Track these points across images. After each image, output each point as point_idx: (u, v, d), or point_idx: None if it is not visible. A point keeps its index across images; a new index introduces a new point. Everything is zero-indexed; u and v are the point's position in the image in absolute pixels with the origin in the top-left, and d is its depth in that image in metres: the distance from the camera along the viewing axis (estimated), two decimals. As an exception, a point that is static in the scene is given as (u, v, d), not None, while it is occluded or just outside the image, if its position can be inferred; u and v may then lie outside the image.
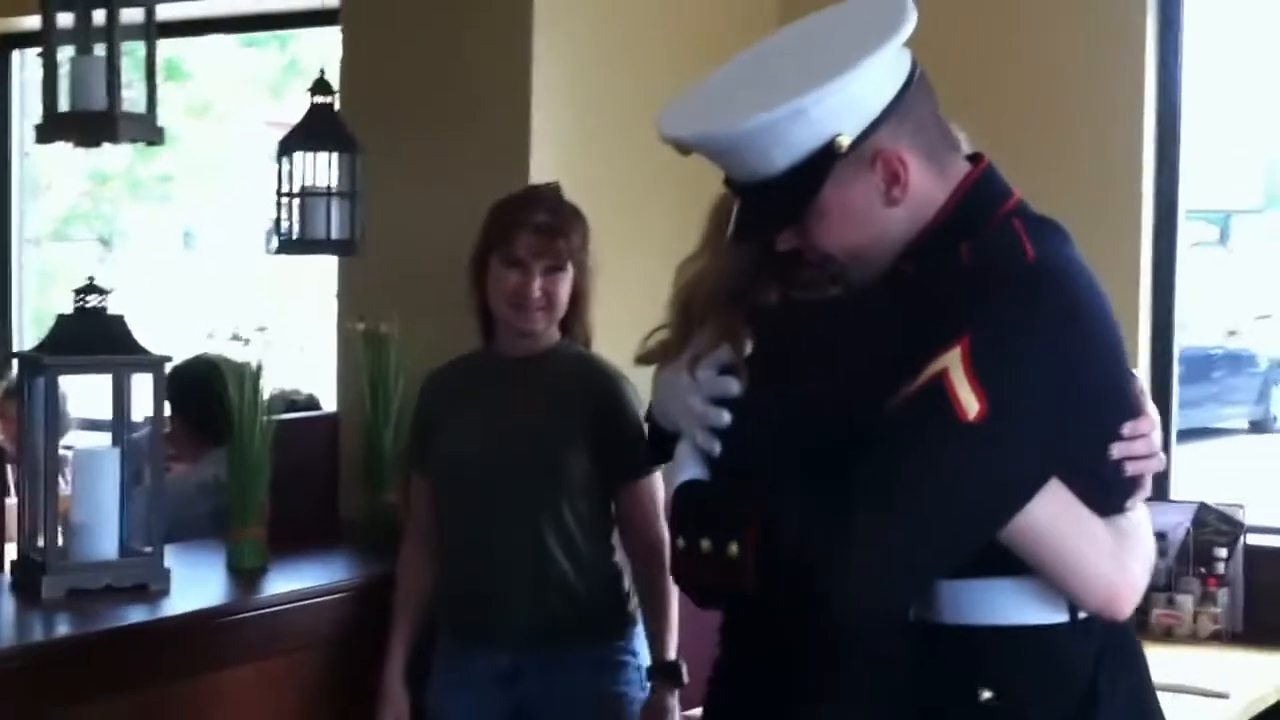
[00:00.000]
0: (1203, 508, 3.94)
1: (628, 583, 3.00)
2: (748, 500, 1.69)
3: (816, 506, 1.61)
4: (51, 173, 8.79)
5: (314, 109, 3.48)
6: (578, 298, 2.98)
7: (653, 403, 2.01)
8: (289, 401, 4.21)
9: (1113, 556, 1.73)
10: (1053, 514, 1.68)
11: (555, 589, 2.90)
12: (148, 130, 3.02)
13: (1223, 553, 3.88)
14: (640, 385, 2.97)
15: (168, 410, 3.78)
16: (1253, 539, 3.96)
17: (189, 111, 9.31)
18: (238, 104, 9.27)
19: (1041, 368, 1.63)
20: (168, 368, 3.15)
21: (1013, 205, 1.77)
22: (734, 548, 1.66)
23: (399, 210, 3.73)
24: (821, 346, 1.83)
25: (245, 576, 3.24)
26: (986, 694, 1.71)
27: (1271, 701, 3.59)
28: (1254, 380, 12.04)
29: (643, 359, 2.24)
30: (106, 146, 3.13)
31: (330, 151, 3.46)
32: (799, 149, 1.67)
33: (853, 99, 1.66)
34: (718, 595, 1.86)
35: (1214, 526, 3.90)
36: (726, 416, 1.81)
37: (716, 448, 1.81)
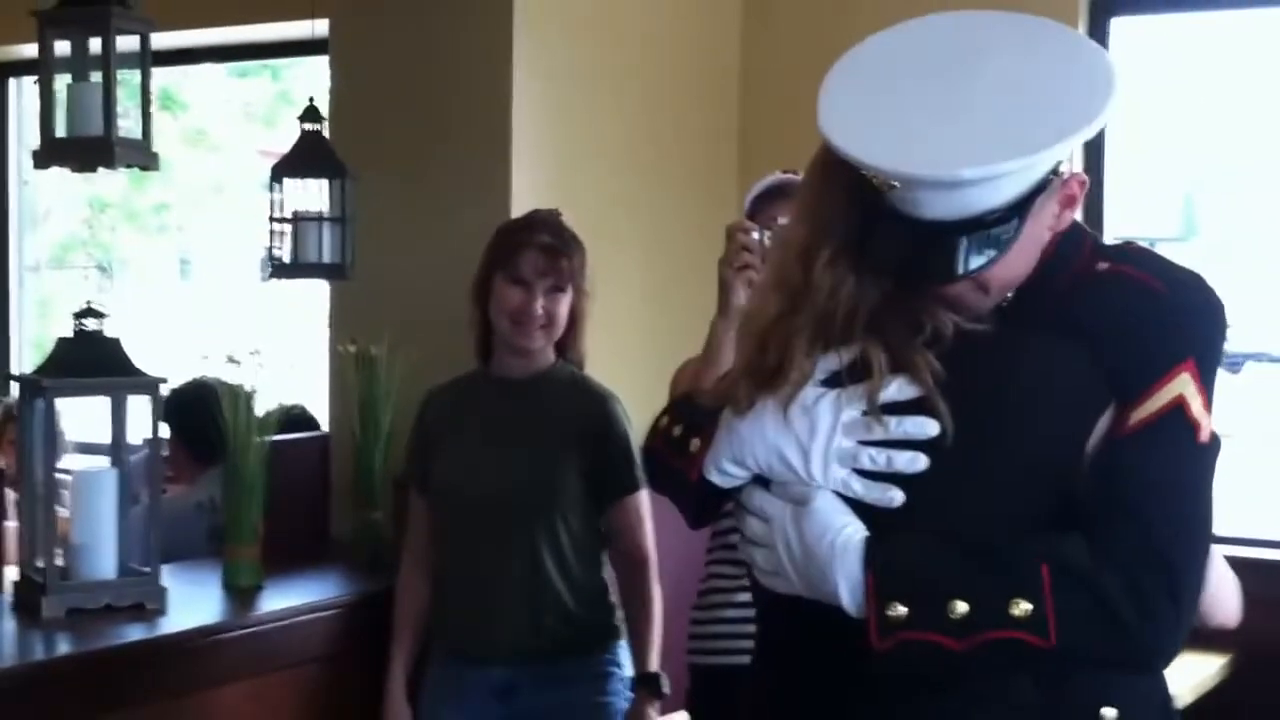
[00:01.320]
0: None
1: (614, 595, 3.02)
2: (1027, 552, 1.56)
3: (1116, 556, 1.54)
4: (50, 200, 8.81)
5: (304, 136, 3.50)
6: (575, 320, 3.02)
7: (722, 455, 1.71)
8: (288, 414, 4.21)
9: (1227, 570, 1.82)
10: None
11: (549, 607, 2.93)
12: (143, 156, 3.04)
13: None
14: (629, 406, 3.01)
15: (165, 432, 3.81)
16: (1240, 551, 3.96)
17: (184, 140, 9.34)
18: (231, 133, 9.29)
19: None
20: (165, 390, 3.17)
21: (1091, 235, 1.78)
22: (1025, 605, 1.52)
23: (388, 235, 3.77)
24: (1014, 384, 1.64)
25: (241, 595, 3.26)
26: (1110, 712, 1.67)
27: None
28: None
29: (718, 403, 1.77)
30: (104, 175, 3.16)
31: (321, 178, 3.48)
32: (1030, 181, 1.60)
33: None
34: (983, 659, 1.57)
35: None
36: (924, 461, 1.60)
37: (899, 498, 1.61)
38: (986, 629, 1.53)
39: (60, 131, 3.01)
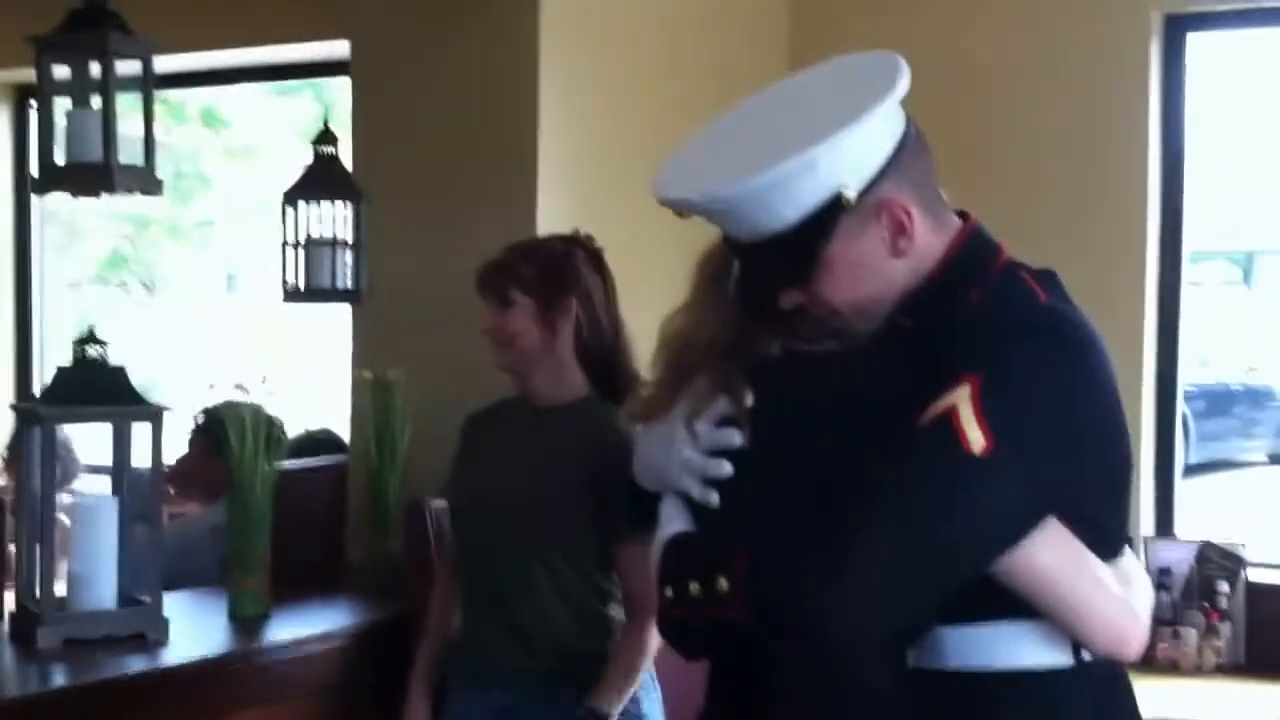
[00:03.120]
0: (1206, 545, 4.03)
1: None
2: (732, 533, 1.70)
3: (813, 531, 1.61)
4: (91, 217, 8.86)
5: (319, 159, 3.45)
6: (609, 350, 2.96)
7: (634, 463, 1.94)
8: (312, 439, 4.18)
9: (1120, 599, 1.73)
10: (1060, 557, 1.67)
11: (545, 634, 2.86)
12: (145, 182, 2.99)
13: (1225, 587, 3.96)
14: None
15: (190, 454, 3.78)
16: (1254, 574, 4.02)
17: (228, 155, 9.36)
18: (275, 149, 9.31)
19: (1049, 409, 1.64)
20: (167, 415, 3.12)
21: (1007, 258, 1.79)
22: (723, 582, 1.67)
23: (410, 258, 3.71)
24: (825, 399, 1.77)
25: (245, 625, 3.20)
26: None
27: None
28: (1273, 415, 12.26)
29: (634, 417, 2.18)
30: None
31: (335, 201, 3.43)
32: (806, 203, 1.67)
33: (858, 151, 1.67)
34: (706, 639, 1.82)
35: (1216, 562, 3.98)
36: (728, 467, 1.78)
37: (715, 499, 1.79)
38: (708, 605, 1.69)
39: (60, 157, 2.96)
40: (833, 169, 1.65)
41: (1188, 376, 4.35)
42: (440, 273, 3.64)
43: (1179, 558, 4.00)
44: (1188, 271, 4.19)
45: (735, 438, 1.78)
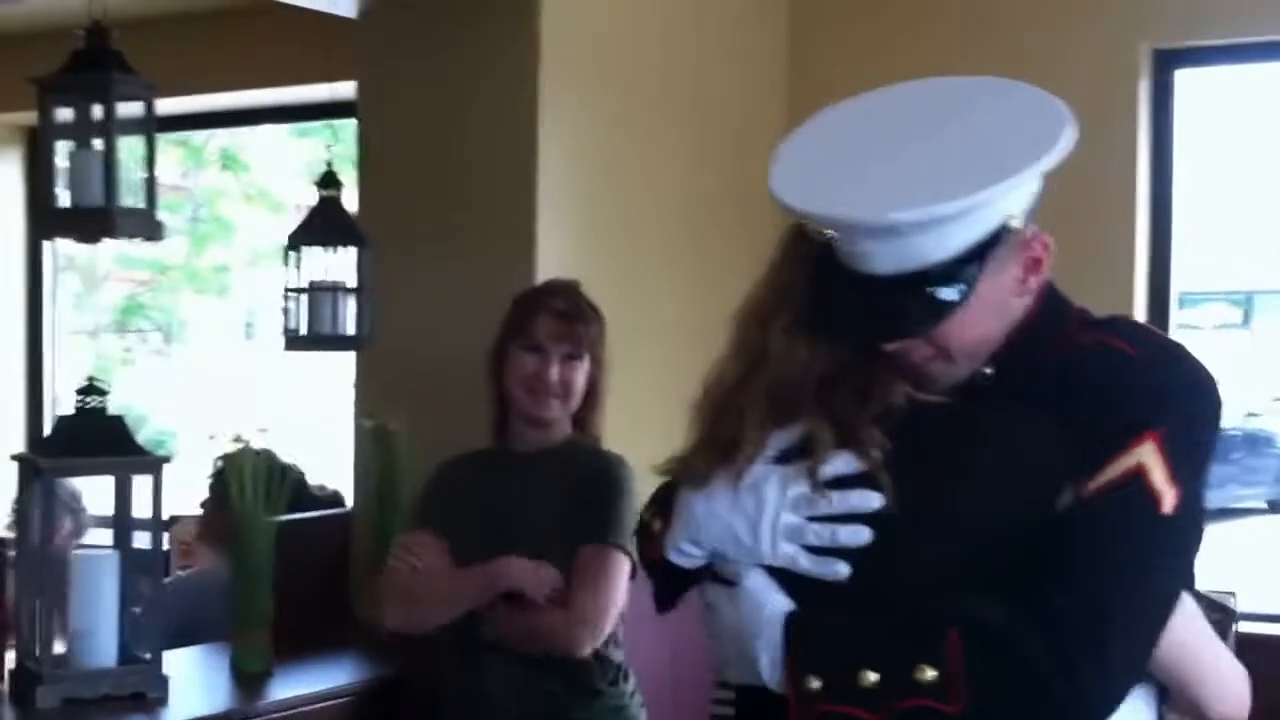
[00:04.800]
0: (1195, 595, 3.89)
1: (632, 683, 2.94)
2: (935, 619, 1.57)
3: (1059, 611, 1.54)
4: (109, 262, 8.92)
5: (322, 203, 3.47)
6: (592, 392, 2.97)
7: (680, 535, 1.72)
8: (313, 497, 4.19)
9: (1237, 665, 1.77)
10: (1190, 622, 1.68)
11: (544, 688, 2.84)
12: (147, 226, 3.01)
13: None
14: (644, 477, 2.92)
15: (206, 504, 3.79)
16: (1247, 626, 3.90)
17: (248, 200, 9.43)
18: (294, 193, 9.38)
19: (1209, 463, 1.67)
20: (174, 468, 3.13)
21: (1077, 307, 1.78)
22: (929, 672, 1.54)
23: (413, 304, 3.74)
24: (968, 455, 1.63)
25: (248, 682, 3.21)
26: None
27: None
28: (1273, 461, 12.30)
29: (675, 474, 1.82)
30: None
31: (338, 246, 3.45)
32: (978, 232, 1.60)
33: (1033, 180, 1.64)
34: None
35: (1206, 615, 3.86)
36: (866, 534, 1.60)
37: (844, 571, 1.61)
38: (895, 698, 1.55)
39: (63, 201, 2.98)
40: (1012, 200, 1.61)
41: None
42: (443, 319, 3.68)
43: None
44: (1182, 314, 4.20)
45: (873, 500, 1.61)
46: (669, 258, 4.04)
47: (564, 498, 2.89)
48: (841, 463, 1.62)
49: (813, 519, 1.63)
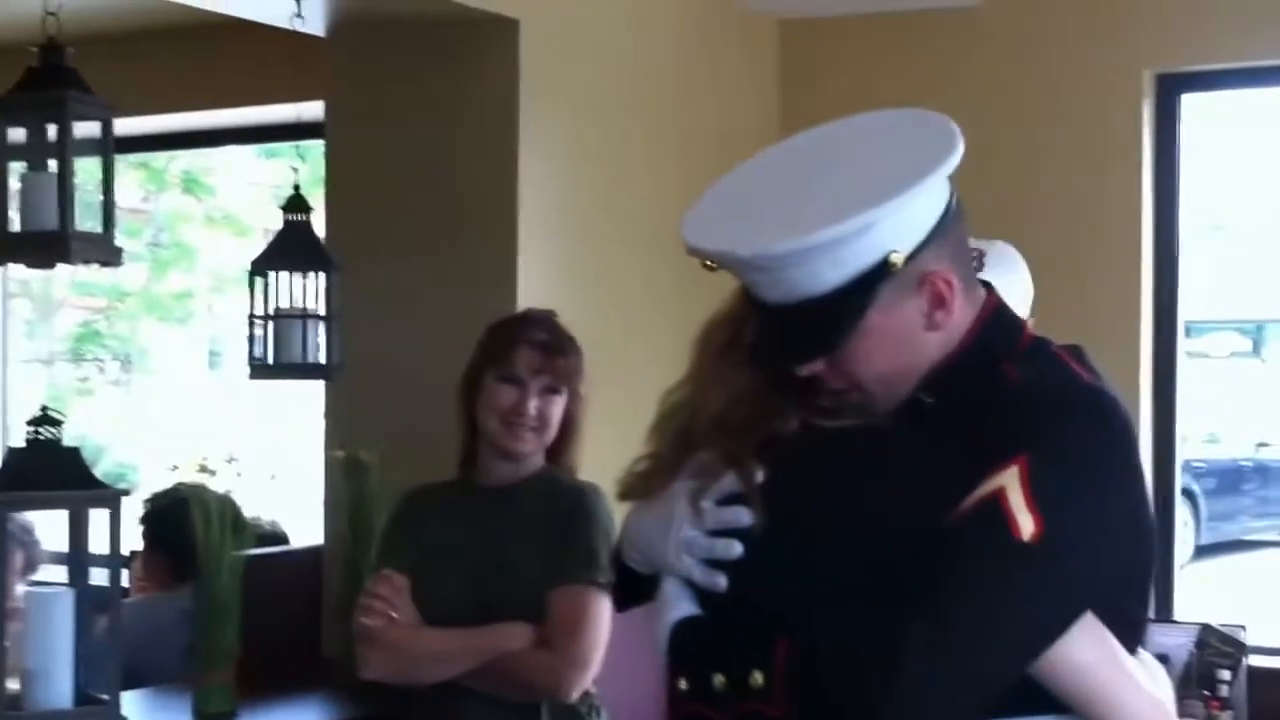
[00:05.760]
0: (1205, 629, 3.99)
1: (604, 716, 2.95)
2: (769, 627, 1.67)
3: (862, 624, 1.61)
4: (64, 290, 8.89)
5: (289, 226, 3.47)
6: (569, 426, 2.96)
7: (625, 540, 1.92)
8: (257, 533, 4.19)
9: (1155, 699, 1.74)
10: (1098, 653, 1.68)
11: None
12: (104, 251, 2.99)
13: (1226, 675, 3.92)
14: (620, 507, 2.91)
15: (141, 545, 3.79)
16: (1256, 660, 3.99)
17: (210, 223, 9.41)
18: (260, 216, 9.37)
19: (1096, 494, 1.65)
20: (133, 500, 3.12)
21: (1031, 333, 1.81)
22: (758, 677, 1.65)
23: (386, 330, 3.75)
24: (853, 477, 1.74)
25: (211, 724, 3.19)
26: None
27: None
28: None
29: (625, 494, 2.04)
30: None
31: (305, 272, 3.44)
32: (853, 267, 1.66)
33: (914, 215, 1.68)
34: None
35: (1216, 648, 3.94)
36: (738, 548, 1.74)
37: (722, 583, 1.75)
38: (736, 700, 1.68)
39: (15, 225, 2.97)
40: (888, 232, 1.65)
41: (1197, 453, 4.40)
42: (416, 346, 3.68)
43: (1177, 643, 3.95)
44: (1190, 343, 4.22)
45: (744, 516, 1.75)
46: (652, 283, 4.05)
47: (541, 534, 2.88)
48: (727, 483, 1.77)
49: (700, 533, 1.78)
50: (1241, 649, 3.93)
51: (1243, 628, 3.98)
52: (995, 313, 1.78)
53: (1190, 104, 4.24)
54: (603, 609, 2.82)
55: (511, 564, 2.88)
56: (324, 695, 3.49)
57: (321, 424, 3.94)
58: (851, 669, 1.60)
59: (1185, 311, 4.22)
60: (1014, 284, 2.90)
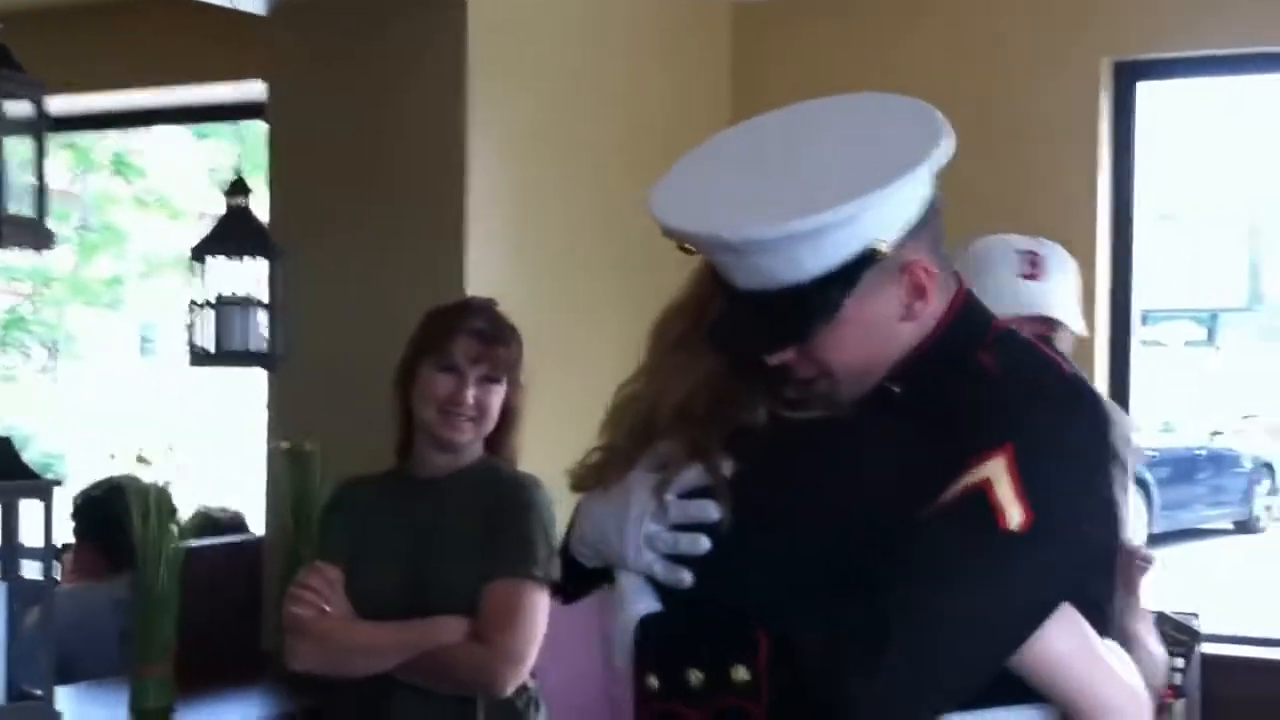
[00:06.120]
0: (1159, 617, 3.98)
1: (543, 714, 2.90)
2: (749, 622, 1.65)
3: (845, 616, 1.60)
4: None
5: (231, 211, 3.44)
6: (508, 416, 2.94)
7: (575, 533, 1.88)
8: (213, 521, 4.14)
9: (1129, 687, 1.75)
10: (1076, 643, 1.69)
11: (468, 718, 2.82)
12: (36, 235, 2.95)
13: (1179, 663, 3.85)
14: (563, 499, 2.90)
15: (72, 538, 3.74)
16: (1209, 648, 4.01)
17: (141, 206, 9.31)
18: (193, 199, 9.28)
19: (1078, 482, 1.67)
20: (66, 490, 3.08)
21: (1001, 322, 1.81)
22: (741, 672, 1.64)
23: (330, 317, 3.70)
24: (827, 468, 1.72)
25: (149, 718, 3.15)
26: None
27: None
28: (1239, 480, 12.61)
29: (578, 485, 1.99)
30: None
31: (248, 257, 3.41)
32: (835, 255, 1.64)
33: (901, 204, 1.67)
34: None
35: (1170, 636, 3.94)
36: (705, 543, 1.71)
37: (687, 579, 1.72)
38: (715, 696, 1.67)
39: (-57, 209, 2.92)
40: (874, 221, 1.64)
41: (1150, 442, 4.44)
42: (361, 333, 3.63)
43: (1130, 632, 4.03)
44: (1145, 330, 4.27)
45: (711, 510, 1.71)
46: (602, 268, 4.04)
47: (478, 526, 2.86)
48: (691, 476, 1.73)
49: (664, 528, 1.74)
50: (1195, 637, 3.92)
51: (1195, 616, 3.98)
52: (966, 303, 1.78)
53: (1144, 92, 4.25)
54: (538, 603, 2.80)
55: (447, 556, 2.86)
56: (263, 689, 3.46)
57: (263, 413, 3.90)
58: (836, 662, 1.59)
59: (1140, 300, 4.25)
60: (1074, 283, 2.91)
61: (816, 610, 1.62)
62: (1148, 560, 2.57)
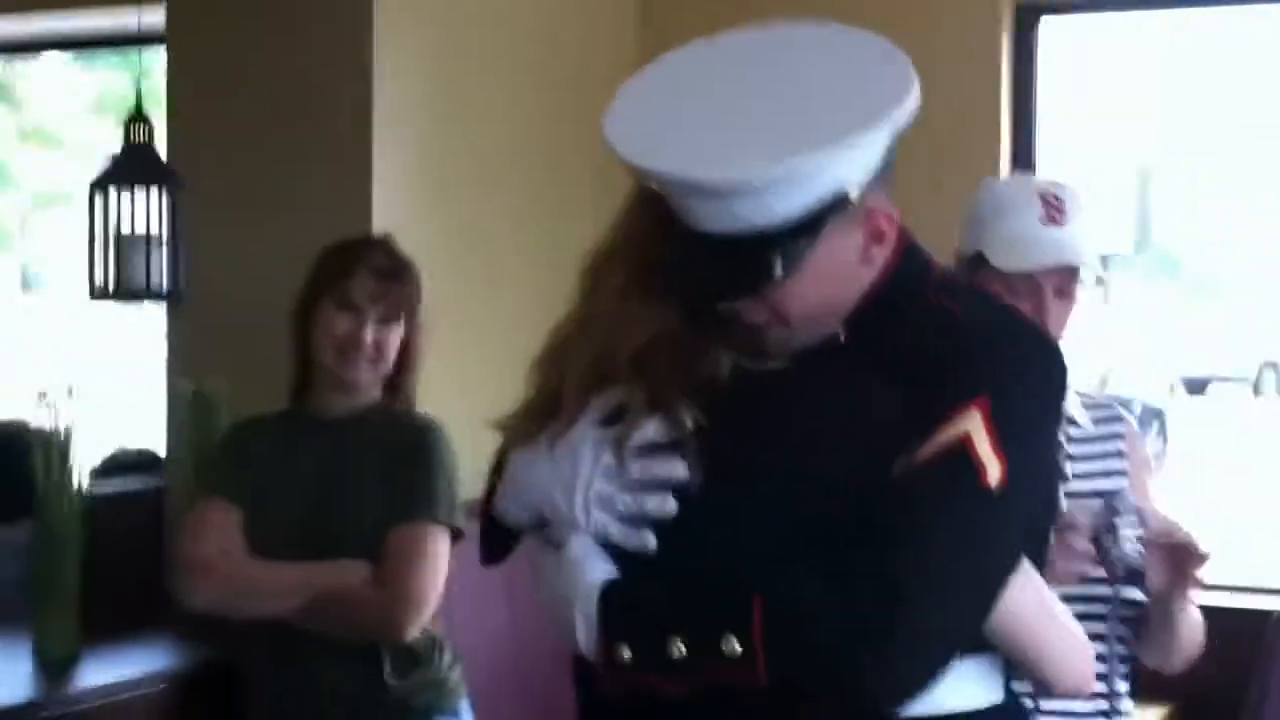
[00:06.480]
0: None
1: (449, 656, 2.97)
2: (738, 586, 1.60)
3: (855, 585, 1.57)
4: None
5: (130, 143, 3.38)
6: (407, 354, 2.95)
7: (504, 490, 1.79)
8: (121, 463, 4.11)
9: (1082, 639, 1.79)
10: (1034, 595, 1.72)
11: (368, 671, 2.85)
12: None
13: None
14: (462, 441, 2.90)
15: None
16: None
17: (21, 138, 9.13)
18: (78, 130, 9.10)
19: (1044, 435, 1.72)
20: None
21: (940, 269, 1.82)
22: (733, 642, 1.57)
23: (232, 254, 3.66)
24: (786, 421, 1.68)
25: (52, 668, 3.12)
26: None
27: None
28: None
29: (510, 439, 1.85)
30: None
31: (148, 191, 3.36)
32: (807, 199, 1.62)
33: (873, 148, 1.65)
34: (679, 706, 1.64)
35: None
36: (673, 504, 1.65)
37: (651, 542, 1.66)
38: (702, 668, 1.59)
39: None
40: (847, 166, 1.63)
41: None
42: (267, 270, 3.57)
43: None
44: None
45: (679, 469, 1.65)
46: (513, 205, 4.03)
47: (378, 469, 2.88)
48: (651, 430, 1.66)
49: (619, 487, 1.67)
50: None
51: None
52: (910, 247, 1.78)
53: (1047, 29, 4.25)
54: (440, 547, 2.83)
55: (347, 500, 2.87)
56: (171, 638, 3.43)
57: (162, 351, 3.85)
58: (848, 631, 1.56)
59: None
60: (1097, 226, 2.80)
61: (814, 575, 1.58)
62: (1200, 553, 2.41)
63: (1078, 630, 1.80)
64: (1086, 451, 2.63)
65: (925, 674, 1.61)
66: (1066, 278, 2.57)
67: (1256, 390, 15.37)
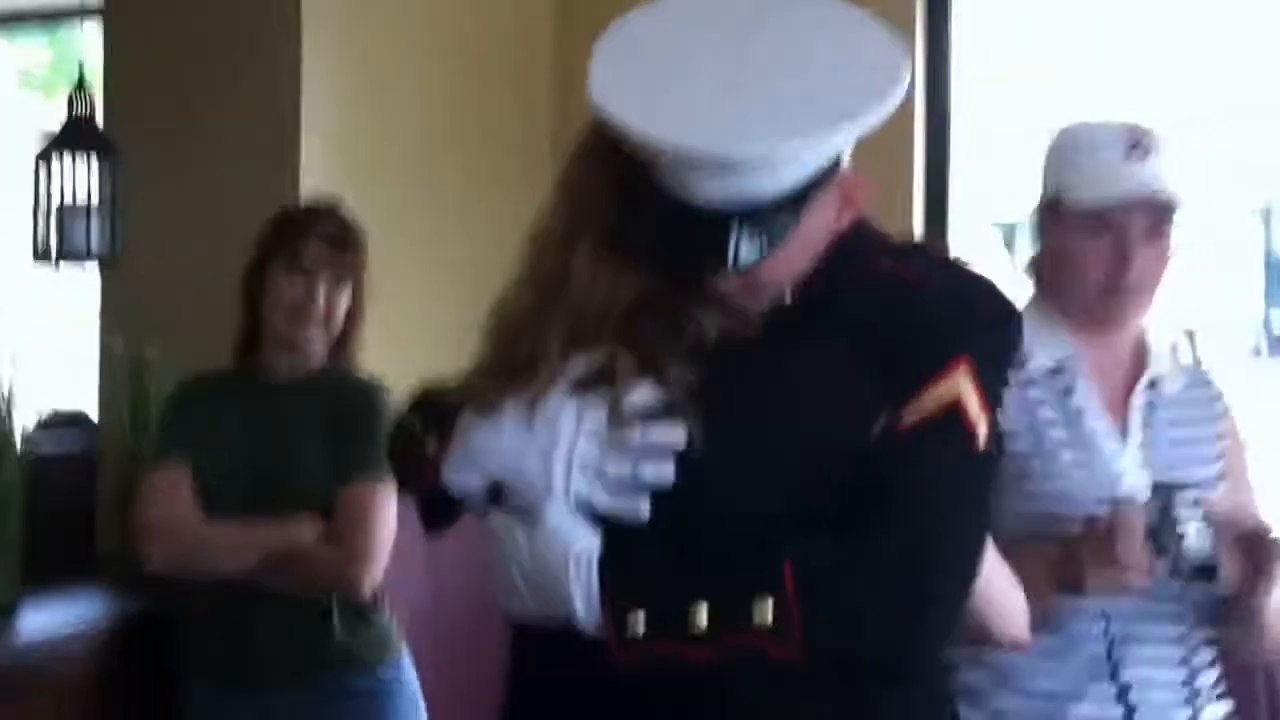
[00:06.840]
0: None
1: (388, 609, 3.07)
2: (772, 552, 1.57)
3: (866, 548, 1.58)
4: None
5: (72, 113, 3.50)
6: (353, 319, 3.05)
7: (460, 456, 1.70)
8: (59, 420, 4.21)
9: (1017, 589, 1.86)
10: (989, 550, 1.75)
11: (311, 624, 2.95)
12: None
13: None
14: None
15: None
16: None
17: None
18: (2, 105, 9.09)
19: (1004, 395, 1.71)
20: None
21: (881, 233, 1.79)
22: (765, 609, 1.54)
23: (164, 221, 3.76)
24: (777, 387, 1.66)
25: (-3, 613, 3.20)
26: None
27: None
28: None
29: (475, 406, 1.73)
30: None
31: (89, 158, 3.48)
32: (809, 169, 1.60)
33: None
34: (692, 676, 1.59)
35: None
36: (671, 472, 1.59)
37: (645, 510, 1.61)
38: (730, 633, 1.55)
39: None
40: (850, 135, 1.60)
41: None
42: (197, 236, 3.70)
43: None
44: (957, 241, 4.19)
45: (680, 434, 1.60)
46: (441, 172, 4.10)
47: (327, 431, 2.97)
48: (645, 393, 1.62)
49: (611, 453, 1.61)
50: None
51: None
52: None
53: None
54: (390, 505, 2.91)
55: (297, 460, 2.96)
56: (104, 589, 3.53)
57: (96, 315, 3.96)
58: (873, 589, 1.56)
59: (954, 212, 4.23)
60: (1182, 168, 2.50)
61: (830, 538, 1.58)
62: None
63: (1015, 581, 1.86)
64: (1179, 436, 2.43)
65: (947, 633, 1.62)
66: (1156, 218, 2.33)
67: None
